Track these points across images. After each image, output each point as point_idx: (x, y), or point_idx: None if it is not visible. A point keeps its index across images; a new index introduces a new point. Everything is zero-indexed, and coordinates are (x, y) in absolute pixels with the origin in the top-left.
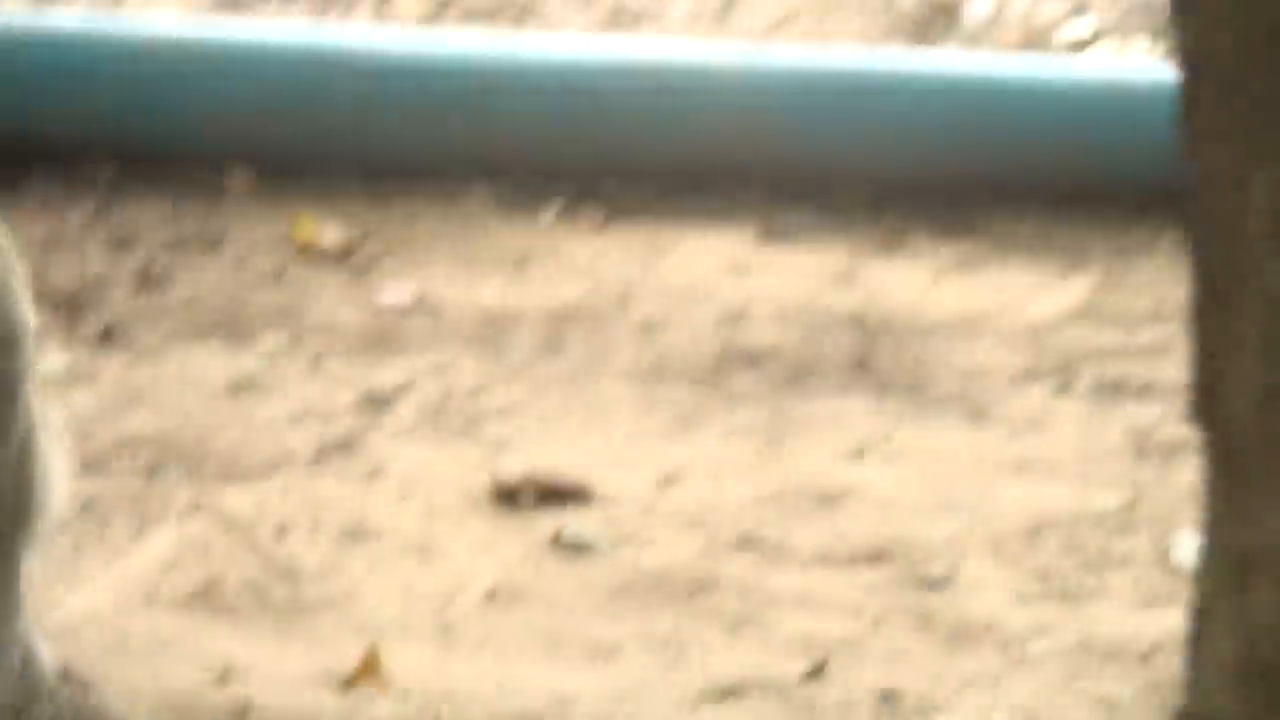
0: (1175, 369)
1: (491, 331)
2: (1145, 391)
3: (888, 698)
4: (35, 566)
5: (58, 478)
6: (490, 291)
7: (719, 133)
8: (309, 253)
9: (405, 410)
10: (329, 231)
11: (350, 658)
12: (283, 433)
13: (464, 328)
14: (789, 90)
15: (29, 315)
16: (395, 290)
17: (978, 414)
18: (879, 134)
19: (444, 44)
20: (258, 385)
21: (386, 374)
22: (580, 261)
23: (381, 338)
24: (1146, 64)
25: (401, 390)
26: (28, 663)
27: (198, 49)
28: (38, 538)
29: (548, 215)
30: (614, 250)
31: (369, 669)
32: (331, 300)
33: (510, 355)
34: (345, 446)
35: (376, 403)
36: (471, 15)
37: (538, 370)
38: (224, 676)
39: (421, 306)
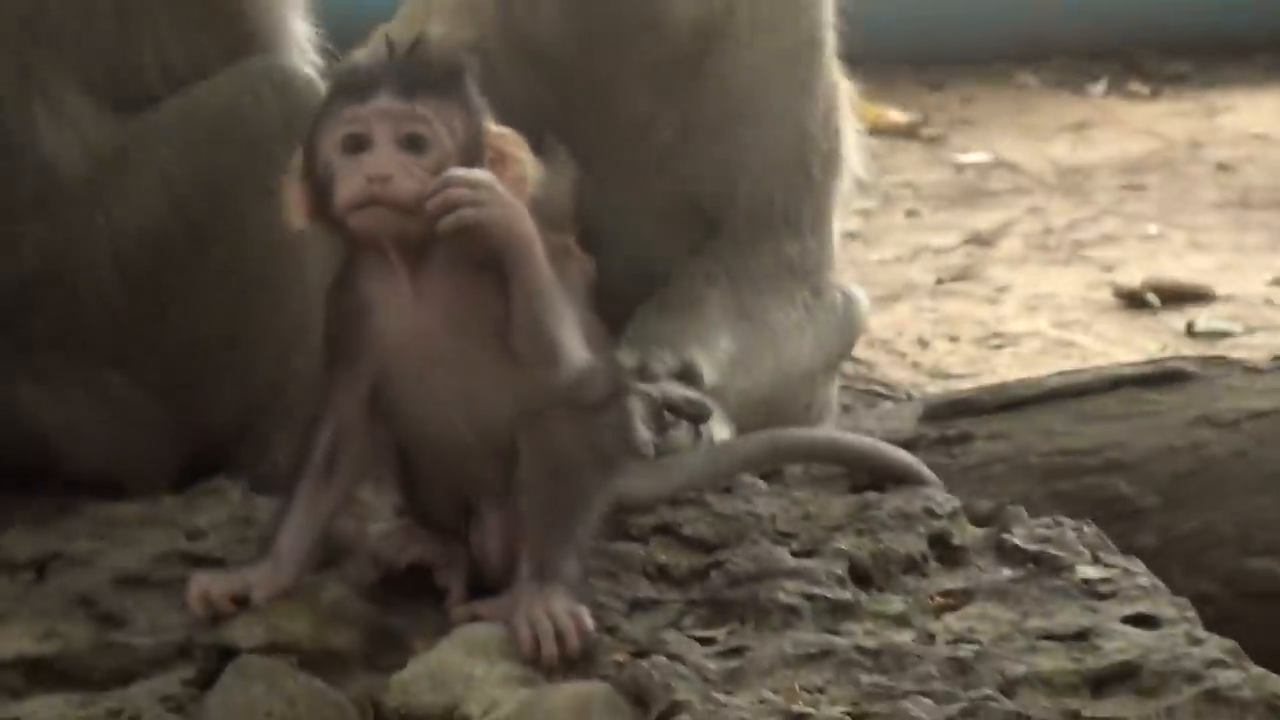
0: None
1: (1071, 180)
2: None
3: None
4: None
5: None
6: (1058, 152)
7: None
8: (878, 129)
9: (1011, 245)
10: (892, 114)
11: None
12: (898, 269)
13: (1044, 179)
14: None
15: None
16: (971, 153)
17: None
18: None
19: None
20: (858, 236)
21: (983, 218)
22: (1137, 125)
23: (969, 191)
24: None
25: (1003, 229)
26: (847, 307)
27: None
28: (844, 196)
29: (1096, 89)
30: (1168, 114)
31: None
32: (912, 164)
33: (1095, 198)
34: (962, 276)
35: (982, 240)
36: None
37: (1126, 208)
38: None
39: (998, 165)
